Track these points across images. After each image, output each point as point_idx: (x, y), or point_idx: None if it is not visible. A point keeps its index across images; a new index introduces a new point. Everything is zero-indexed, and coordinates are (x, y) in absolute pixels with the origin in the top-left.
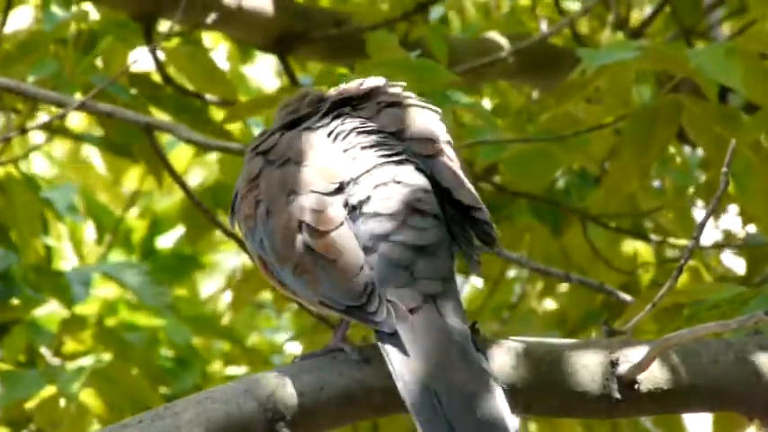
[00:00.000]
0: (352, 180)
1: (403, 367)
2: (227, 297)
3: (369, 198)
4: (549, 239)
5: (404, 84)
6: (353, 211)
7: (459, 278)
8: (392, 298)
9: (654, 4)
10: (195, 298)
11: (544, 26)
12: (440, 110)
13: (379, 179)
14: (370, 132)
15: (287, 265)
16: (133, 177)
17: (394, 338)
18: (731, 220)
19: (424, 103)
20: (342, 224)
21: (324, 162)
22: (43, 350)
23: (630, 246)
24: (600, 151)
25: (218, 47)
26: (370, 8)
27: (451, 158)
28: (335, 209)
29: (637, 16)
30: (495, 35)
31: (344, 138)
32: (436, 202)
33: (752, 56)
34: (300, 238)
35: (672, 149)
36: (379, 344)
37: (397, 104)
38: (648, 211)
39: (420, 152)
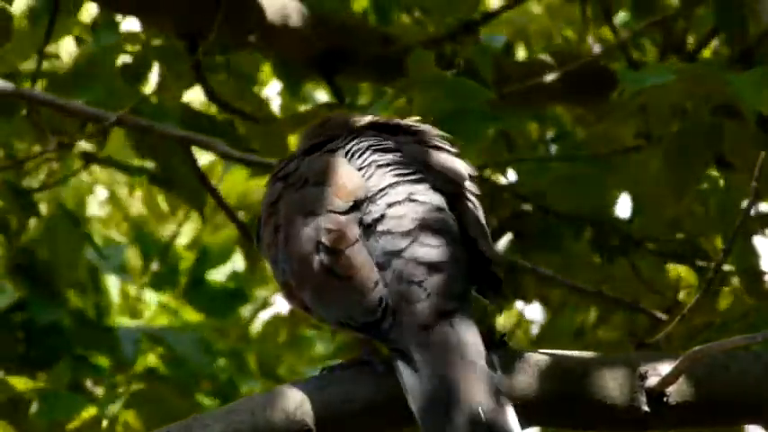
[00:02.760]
0: (368, 199)
1: (413, 384)
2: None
3: (383, 216)
4: (598, 267)
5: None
6: (368, 228)
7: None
8: (405, 315)
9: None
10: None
11: (596, 48)
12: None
13: (394, 198)
14: (386, 151)
15: (306, 286)
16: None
17: (406, 355)
18: None
19: (450, 146)
20: (356, 242)
21: (340, 180)
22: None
23: (674, 269)
24: (643, 177)
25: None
26: (416, 28)
27: (475, 204)
28: (350, 227)
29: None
30: (544, 57)
31: (360, 155)
32: (451, 222)
33: None
34: (317, 259)
35: (715, 173)
36: (393, 361)
37: (423, 142)
38: (692, 233)
39: (443, 189)
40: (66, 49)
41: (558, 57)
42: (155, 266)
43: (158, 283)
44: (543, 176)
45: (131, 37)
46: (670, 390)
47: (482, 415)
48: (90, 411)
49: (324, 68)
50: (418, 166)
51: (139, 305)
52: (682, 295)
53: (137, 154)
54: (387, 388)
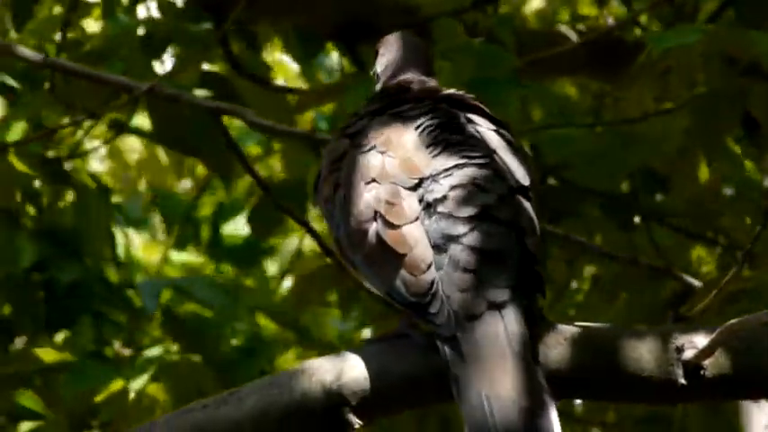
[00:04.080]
0: (432, 177)
1: (458, 372)
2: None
3: (445, 198)
4: (617, 238)
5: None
6: (428, 208)
7: None
8: (456, 301)
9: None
10: (263, 283)
11: (610, 21)
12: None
13: (458, 180)
14: (457, 131)
15: (358, 252)
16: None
17: (452, 342)
18: None
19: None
20: (415, 219)
21: (407, 154)
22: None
23: (696, 250)
24: (668, 151)
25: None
26: None
27: (532, 203)
28: (411, 203)
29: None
30: (563, 28)
31: (432, 131)
32: (510, 214)
33: None
34: (374, 228)
35: (738, 150)
36: (438, 344)
37: (499, 132)
38: (715, 212)
39: (508, 181)
40: (88, 28)
41: (575, 29)
42: (178, 227)
43: (182, 243)
44: (566, 148)
45: (150, 21)
46: (707, 362)
47: (524, 413)
48: (117, 384)
49: (346, 39)
50: (487, 152)
51: (165, 267)
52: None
53: (162, 124)
54: (426, 362)
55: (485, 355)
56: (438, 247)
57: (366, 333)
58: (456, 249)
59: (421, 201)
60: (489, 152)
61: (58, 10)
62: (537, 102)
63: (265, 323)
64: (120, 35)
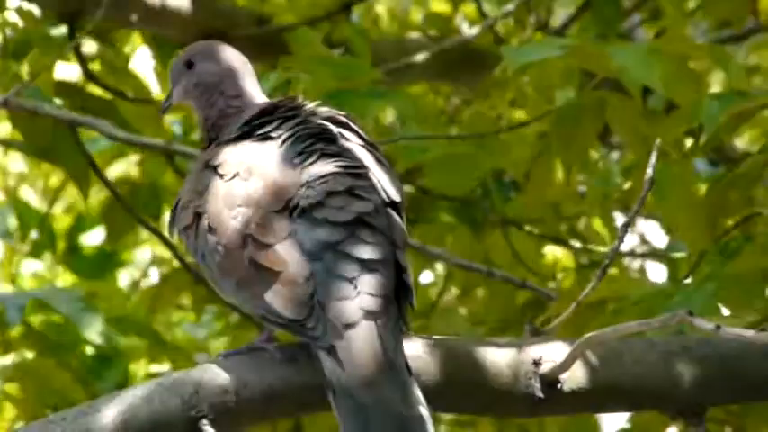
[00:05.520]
0: (308, 183)
1: (336, 381)
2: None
3: (320, 204)
4: (471, 242)
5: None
6: (303, 213)
7: None
8: (332, 311)
9: (575, 5)
10: (116, 293)
11: (465, 28)
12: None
13: (334, 187)
14: (332, 141)
15: (230, 279)
16: (58, 174)
17: (330, 351)
18: (648, 226)
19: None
20: (287, 237)
21: (271, 177)
22: None
23: (551, 252)
24: (522, 156)
25: (135, 47)
26: (291, 7)
27: (401, 216)
28: (281, 223)
29: (554, 21)
30: (416, 36)
31: (303, 141)
32: (385, 224)
33: (673, 56)
34: (245, 253)
35: (595, 155)
36: (316, 353)
37: (369, 145)
38: (570, 216)
39: (380, 193)
40: None
41: (428, 35)
42: (33, 235)
43: (37, 251)
44: (419, 154)
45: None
46: (564, 376)
47: (402, 421)
48: None
49: None
50: (361, 165)
51: (18, 277)
52: (559, 277)
53: (22, 134)
54: (286, 375)
55: (361, 364)
56: (313, 255)
57: (220, 342)
58: (331, 257)
59: (295, 208)
60: (363, 165)
61: None
62: (393, 109)
63: (119, 332)
64: None
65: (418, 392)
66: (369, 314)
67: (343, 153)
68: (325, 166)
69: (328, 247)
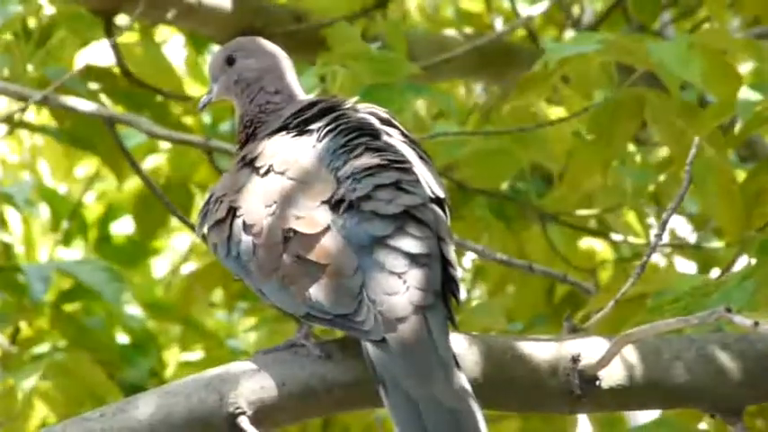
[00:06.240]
0: (353, 176)
1: (386, 375)
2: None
3: (368, 197)
4: (506, 237)
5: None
6: (350, 206)
7: None
8: (382, 305)
9: (606, 3)
10: (149, 281)
11: (499, 24)
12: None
13: (382, 180)
14: (374, 138)
15: (272, 276)
16: (89, 163)
17: (380, 345)
18: (678, 221)
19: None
20: (329, 228)
21: (314, 170)
22: None
23: (588, 245)
24: (559, 150)
25: (170, 40)
26: (330, 3)
27: (447, 212)
28: (324, 215)
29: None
30: (452, 33)
31: (347, 135)
32: (433, 218)
33: (711, 50)
34: (288, 248)
35: (632, 148)
36: (364, 348)
37: (413, 143)
38: (607, 208)
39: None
40: None
41: (462, 32)
42: (65, 225)
43: (69, 240)
44: (456, 150)
45: (36, 7)
46: (602, 373)
47: (454, 415)
48: (5, 383)
49: None
50: (406, 159)
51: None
52: (597, 271)
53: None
54: (323, 371)
55: (414, 358)
56: (361, 248)
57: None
58: (380, 251)
59: (341, 201)
60: (407, 160)
61: None
62: (431, 104)
63: (151, 320)
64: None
65: (468, 386)
66: (419, 309)
67: (389, 147)
68: (371, 159)
69: (377, 241)
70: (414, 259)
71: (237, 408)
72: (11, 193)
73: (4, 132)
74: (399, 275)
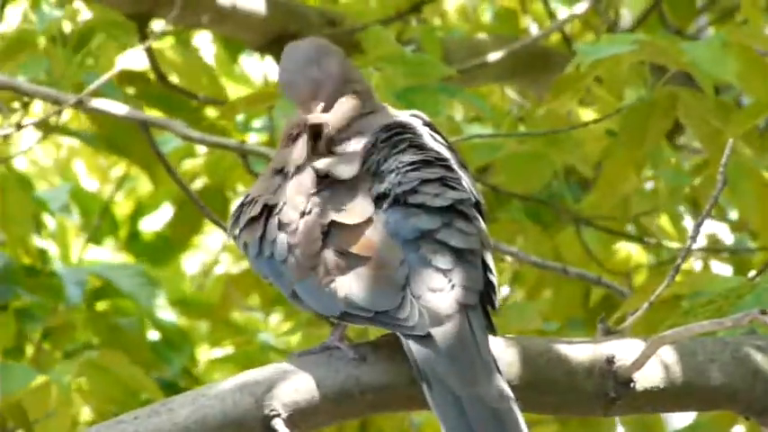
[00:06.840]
0: (397, 170)
1: (430, 372)
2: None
3: (414, 191)
4: (541, 241)
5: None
6: (396, 200)
7: None
8: (426, 301)
9: (643, 6)
10: (179, 277)
11: (534, 28)
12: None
13: (426, 175)
14: (417, 136)
15: (308, 275)
16: (119, 163)
17: (424, 342)
18: (714, 224)
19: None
20: (371, 219)
21: (355, 164)
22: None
23: (623, 248)
24: (593, 153)
25: (206, 45)
26: (363, 7)
27: (484, 219)
28: (366, 208)
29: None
30: (485, 37)
31: (389, 131)
32: (475, 216)
33: (747, 49)
34: (328, 242)
35: (667, 151)
36: (406, 345)
37: (454, 150)
38: (641, 212)
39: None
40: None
41: (499, 39)
42: (95, 223)
43: (98, 238)
44: (490, 153)
45: (74, 12)
46: (637, 375)
47: (497, 415)
48: (40, 380)
49: (274, 51)
50: (448, 159)
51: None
52: (632, 274)
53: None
54: (358, 373)
55: (458, 356)
56: (408, 242)
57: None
58: (429, 246)
59: (386, 195)
60: (449, 158)
61: None
62: (467, 107)
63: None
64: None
65: (507, 388)
66: (463, 307)
67: (433, 145)
68: (415, 155)
69: (424, 235)
70: (460, 255)
71: (272, 410)
72: (47, 198)
73: (39, 137)
74: (445, 273)
